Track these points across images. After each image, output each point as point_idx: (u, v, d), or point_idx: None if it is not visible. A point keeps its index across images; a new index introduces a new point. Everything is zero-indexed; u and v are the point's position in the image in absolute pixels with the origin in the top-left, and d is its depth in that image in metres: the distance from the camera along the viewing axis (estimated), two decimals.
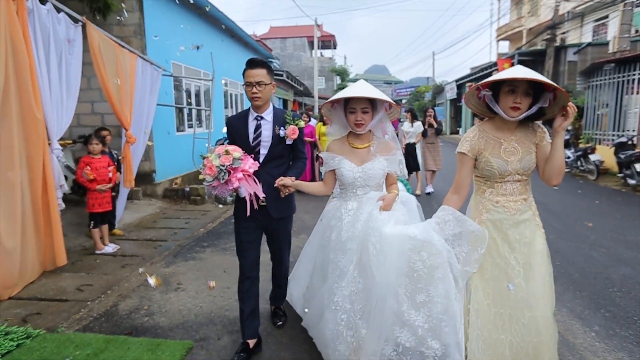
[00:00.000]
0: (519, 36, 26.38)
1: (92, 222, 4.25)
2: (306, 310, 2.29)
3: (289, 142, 2.32)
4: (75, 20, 4.03)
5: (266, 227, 2.44)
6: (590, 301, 3.05)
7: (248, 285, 2.37)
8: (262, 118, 2.32)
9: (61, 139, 4.09)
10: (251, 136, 2.30)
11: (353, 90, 2.08)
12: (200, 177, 2.13)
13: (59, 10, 3.74)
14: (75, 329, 2.70)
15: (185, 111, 8.69)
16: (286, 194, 2.21)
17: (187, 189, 7.09)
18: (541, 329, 1.75)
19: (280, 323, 2.70)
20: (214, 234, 5.05)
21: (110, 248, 4.37)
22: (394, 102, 2.14)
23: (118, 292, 3.31)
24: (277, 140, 2.30)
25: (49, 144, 3.62)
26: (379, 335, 1.82)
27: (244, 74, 2.25)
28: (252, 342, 2.36)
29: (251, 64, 2.24)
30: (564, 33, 19.76)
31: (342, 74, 36.32)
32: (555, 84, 1.71)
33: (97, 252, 4.28)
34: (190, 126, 8.76)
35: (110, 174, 4.34)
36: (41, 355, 2.32)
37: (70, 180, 4.74)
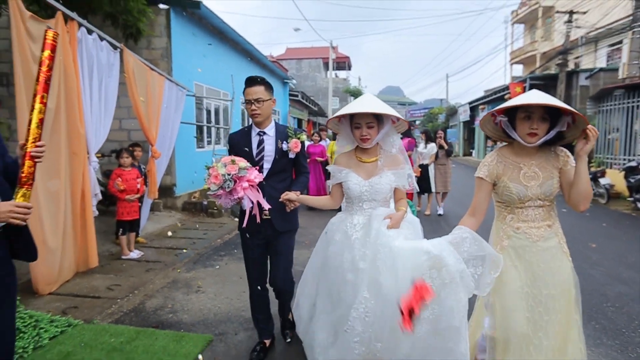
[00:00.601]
0: (532, 60, 26.65)
1: (121, 229, 4.61)
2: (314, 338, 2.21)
3: (291, 155, 2.37)
4: (114, 47, 4.51)
5: (269, 242, 2.45)
6: (583, 314, 3.22)
7: (257, 296, 2.53)
8: (264, 133, 2.38)
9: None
10: (255, 151, 2.35)
11: (357, 106, 2.06)
12: (205, 186, 2.14)
13: (102, 38, 4.22)
14: (108, 321, 3.01)
15: (205, 129, 9.17)
16: (292, 208, 2.22)
17: (205, 202, 7.46)
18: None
19: (289, 340, 2.70)
20: (230, 244, 5.36)
21: (135, 254, 4.71)
22: (399, 116, 2.11)
23: (144, 292, 3.63)
24: (280, 154, 2.35)
25: (87, 157, 4.04)
26: (394, 350, 1.84)
27: (243, 92, 2.32)
28: (268, 342, 2.59)
29: (249, 82, 2.30)
30: (577, 57, 19.99)
31: (356, 94, 36.92)
32: (570, 108, 1.67)
33: (123, 257, 4.63)
34: (209, 143, 9.23)
35: (139, 185, 4.73)
36: (82, 340, 2.63)
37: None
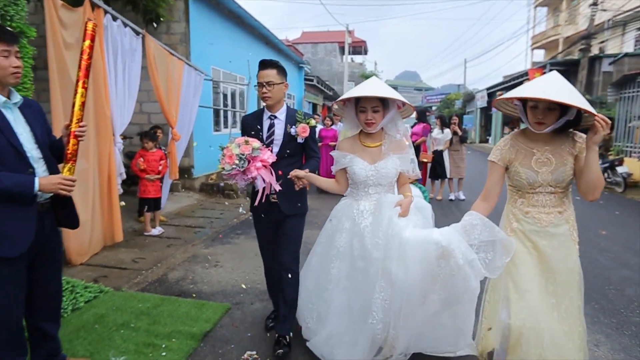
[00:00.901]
0: (554, 45, 25.85)
1: (146, 206, 4.89)
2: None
3: (300, 140, 2.37)
4: (137, 33, 4.69)
5: (277, 225, 2.46)
6: (584, 295, 3.34)
7: (273, 275, 2.54)
8: (275, 117, 2.40)
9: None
10: (265, 134, 2.38)
11: (363, 89, 2.04)
12: (219, 166, 2.17)
13: (125, 24, 4.40)
14: (135, 289, 3.28)
15: (222, 112, 9.37)
16: (300, 186, 2.19)
17: (222, 184, 7.71)
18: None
19: (279, 352, 2.29)
20: (246, 224, 5.60)
21: (156, 231, 4.99)
22: (405, 100, 2.09)
23: (166, 265, 3.89)
24: (289, 138, 2.36)
25: (113, 138, 4.28)
26: (409, 336, 1.96)
27: (257, 75, 2.34)
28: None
29: (262, 65, 2.32)
30: (602, 42, 19.32)
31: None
32: (569, 102, 1.60)
33: (145, 233, 4.91)
34: (225, 126, 9.44)
35: (160, 167, 4.98)
36: (113, 305, 2.90)
37: None
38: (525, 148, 1.84)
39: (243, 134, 2.40)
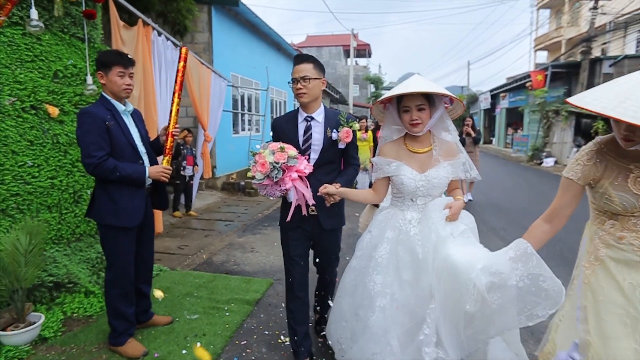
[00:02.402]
0: (557, 46, 26.26)
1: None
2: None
3: (341, 146, 2.10)
4: (175, 45, 5.23)
5: (314, 239, 2.24)
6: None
7: (298, 304, 2.24)
8: (312, 119, 2.12)
9: None
10: (301, 139, 2.10)
11: (405, 87, 1.77)
12: (249, 174, 1.96)
13: (167, 38, 4.94)
14: (188, 269, 3.80)
15: (239, 116, 9.92)
16: (331, 202, 1.96)
17: (243, 183, 8.24)
18: None
19: (323, 334, 2.35)
20: (270, 218, 6.11)
21: None
22: (453, 95, 1.82)
23: (208, 251, 4.41)
24: (329, 143, 2.09)
25: None
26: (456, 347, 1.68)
27: (292, 72, 2.11)
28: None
29: (297, 59, 2.09)
30: (604, 44, 19.74)
31: (377, 82, 37.08)
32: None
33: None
34: (243, 129, 9.99)
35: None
36: (173, 280, 3.42)
37: None
38: (617, 163, 1.43)
39: (274, 139, 2.14)
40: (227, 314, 2.84)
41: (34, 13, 2.58)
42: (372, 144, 7.39)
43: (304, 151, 2.10)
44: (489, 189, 8.45)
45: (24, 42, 2.69)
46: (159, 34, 4.72)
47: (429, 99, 1.81)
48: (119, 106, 2.25)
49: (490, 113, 26.49)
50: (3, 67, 2.56)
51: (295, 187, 1.96)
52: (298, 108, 2.18)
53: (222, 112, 7.84)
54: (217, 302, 3.00)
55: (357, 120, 2.26)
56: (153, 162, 2.38)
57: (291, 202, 2.04)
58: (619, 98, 1.23)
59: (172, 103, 2.33)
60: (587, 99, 1.31)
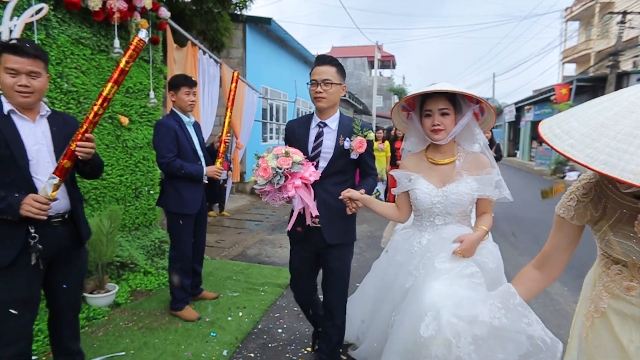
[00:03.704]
0: (586, 59, 25.94)
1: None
2: None
3: (353, 156, 1.94)
4: (216, 62, 5.88)
5: (320, 255, 2.06)
6: (578, 273, 4.13)
7: (306, 309, 2.31)
8: (325, 125, 1.98)
9: None
10: (310, 145, 1.97)
11: (428, 87, 1.63)
12: (252, 178, 1.87)
13: (210, 56, 5.59)
14: (226, 259, 4.35)
15: (268, 125, 10.57)
16: (353, 210, 1.78)
17: None
18: None
19: None
20: None
21: None
22: (483, 100, 1.62)
23: (242, 245, 4.95)
24: (340, 152, 1.94)
25: None
26: None
27: (310, 73, 1.97)
28: None
29: (319, 61, 1.94)
30: (636, 56, 19.49)
31: (400, 93, 37.39)
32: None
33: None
34: (271, 137, 10.63)
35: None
36: (215, 267, 3.96)
37: None
38: (620, 202, 1.08)
39: (286, 143, 2.05)
40: (262, 293, 3.34)
41: (117, 42, 3.21)
42: (389, 154, 7.68)
43: (312, 158, 1.96)
44: (502, 207, 8.72)
45: (107, 65, 3.33)
46: (204, 52, 5.38)
47: (454, 104, 1.64)
48: (185, 118, 2.83)
49: (515, 126, 26.34)
50: (92, 86, 3.19)
51: (299, 195, 1.82)
52: (313, 112, 2.04)
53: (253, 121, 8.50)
54: (253, 285, 3.52)
55: (372, 130, 2.02)
56: (208, 163, 2.94)
57: (295, 211, 1.92)
58: (593, 135, 0.87)
59: (225, 116, 2.89)
60: (559, 129, 0.95)
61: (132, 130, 3.70)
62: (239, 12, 8.02)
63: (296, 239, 2.09)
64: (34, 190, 1.63)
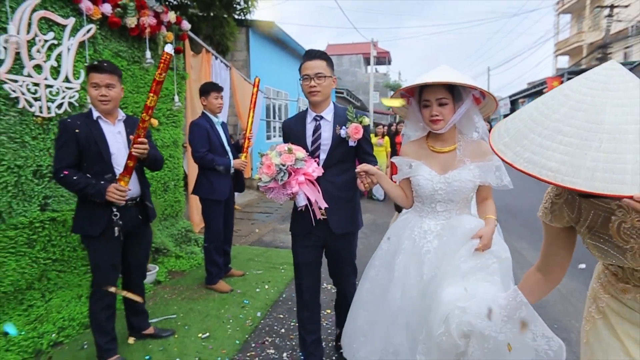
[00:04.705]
0: (578, 51, 26.41)
1: None
2: None
3: (352, 143, 1.97)
4: (227, 66, 6.33)
5: (326, 246, 2.11)
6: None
7: (308, 314, 2.18)
8: (321, 118, 2.02)
9: None
10: (309, 139, 2.01)
11: (424, 77, 1.59)
12: (256, 176, 1.90)
13: (221, 61, 6.04)
14: (244, 245, 4.81)
15: (272, 123, 11.02)
16: (367, 186, 1.75)
17: None
18: None
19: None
20: None
21: None
22: (482, 88, 1.58)
23: (257, 234, 5.42)
24: (338, 141, 1.99)
25: None
26: None
27: (300, 68, 1.99)
28: None
29: (309, 55, 1.97)
30: (627, 47, 19.97)
31: (396, 89, 37.55)
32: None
33: None
34: (274, 136, 11.09)
35: None
36: (237, 251, 4.42)
37: None
38: (593, 203, 0.97)
39: (285, 141, 2.04)
40: (282, 270, 3.81)
41: (148, 54, 3.66)
42: (389, 149, 8.01)
43: (313, 152, 2.02)
44: (497, 191, 9.23)
45: (140, 74, 3.77)
46: (216, 57, 5.82)
47: (453, 92, 1.61)
48: (214, 119, 3.29)
49: None
50: (127, 93, 3.63)
51: (303, 191, 1.86)
52: (307, 109, 2.09)
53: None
54: (273, 264, 3.99)
55: (367, 115, 1.99)
56: (235, 157, 3.39)
57: (299, 208, 1.95)
58: (524, 132, 0.82)
59: (249, 116, 3.35)
60: (504, 126, 0.90)
61: (160, 131, 4.14)
62: (243, 17, 8.44)
63: (300, 232, 2.11)
64: (115, 177, 2.09)
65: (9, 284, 2.57)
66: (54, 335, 2.49)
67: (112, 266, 2.13)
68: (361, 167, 1.75)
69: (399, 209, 2.33)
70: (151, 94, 2.03)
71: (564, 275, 1.15)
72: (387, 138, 8.06)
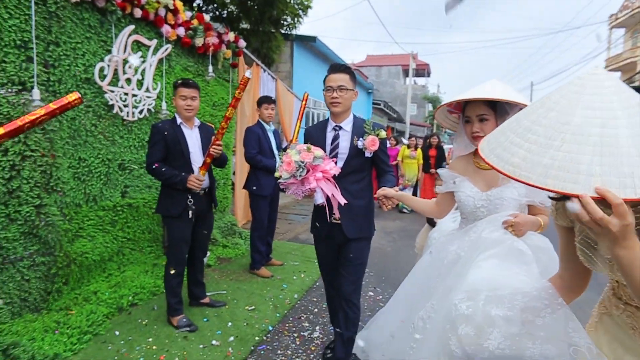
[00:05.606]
0: (631, 67, 25.25)
1: None
2: None
3: (367, 154, 2.11)
4: (273, 78, 6.92)
5: (340, 250, 2.26)
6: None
7: (335, 303, 2.43)
8: (340, 128, 2.16)
9: None
10: (328, 147, 2.16)
11: (464, 93, 1.61)
12: (277, 174, 1.98)
13: (269, 74, 6.64)
14: (283, 241, 5.29)
15: None
16: (389, 207, 1.87)
17: None
18: None
19: None
20: None
21: None
22: (527, 103, 1.45)
23: (294, 232, 5.90)
24: (355, 152, 2.12)
25: None
26: None
27: (324, 80, 2.13)
28: None
29: (333, 69, 2.13)
30: None
31: (435, 101, 37.50)
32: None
33: None
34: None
35: None
36: (276, 246, 4.90)
37: None
38: None
39: None
40: (316, 264, 4.22)
41: (210, 68, 4.26)
42: (421, 161, 8.07)
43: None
44: None
45: (202, 85, 4.38)
46: (264, 70, 6.42)
47: (495, 108, 1.58)
48: (266, 126, 3.81)
49: None
50: None
51: (320, 187, 1.93)
52: (328, 118, 2.23)
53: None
54: (309, 258, 4.43)
55: (384, 129, 2.20)
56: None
57: (319, 205, 2.11)
58: (505, 132, 0.84)
59: (296, 126, 3.85)
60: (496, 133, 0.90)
61: None
62: (289, 32, 9.08)
63: (320, 236, 2.30)
64: (192, 171, 2.62)
65: (97, 254, 3.18)
66: (130, 297, 3.05)
67: (185, 241, 2.66)
68: (380, 193, 1.86)
69: (431, 222, 2.38)
70: (230, 108, 2.57)
71: (585, 286, 1.07)
72: (419, 150, 8.15)
